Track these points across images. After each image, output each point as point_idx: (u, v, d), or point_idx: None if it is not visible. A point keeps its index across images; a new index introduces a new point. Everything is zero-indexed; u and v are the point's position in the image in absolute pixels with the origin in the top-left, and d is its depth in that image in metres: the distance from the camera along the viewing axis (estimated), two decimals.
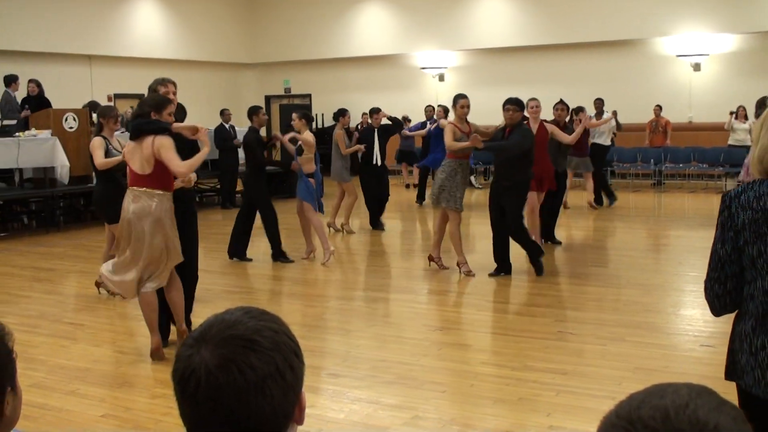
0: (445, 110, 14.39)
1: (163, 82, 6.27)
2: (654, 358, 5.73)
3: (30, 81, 14.18)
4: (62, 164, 12.37)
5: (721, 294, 2.59)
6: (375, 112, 12.11)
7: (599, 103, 14.51)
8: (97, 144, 7.68)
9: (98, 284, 8.09)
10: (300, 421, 1.33)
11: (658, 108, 17.36)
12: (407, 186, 18.23)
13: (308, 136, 9.22)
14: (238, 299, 7.78)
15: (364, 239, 11.41)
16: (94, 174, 8.07)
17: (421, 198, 15.23)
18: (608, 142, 14.45)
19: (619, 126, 14.98)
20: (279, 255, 9.54)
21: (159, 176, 5.75)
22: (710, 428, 1.00)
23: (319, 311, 7.08)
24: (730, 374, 2.64)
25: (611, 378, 5.23)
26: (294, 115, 9.51)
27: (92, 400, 5.10)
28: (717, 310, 2.65)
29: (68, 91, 16.96)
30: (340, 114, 11.68)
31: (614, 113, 14.81)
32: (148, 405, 4.99)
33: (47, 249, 11.10)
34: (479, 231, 11.25)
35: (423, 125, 15.43)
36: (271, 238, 9.55)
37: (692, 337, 6.24)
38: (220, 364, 1.24)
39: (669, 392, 1.06)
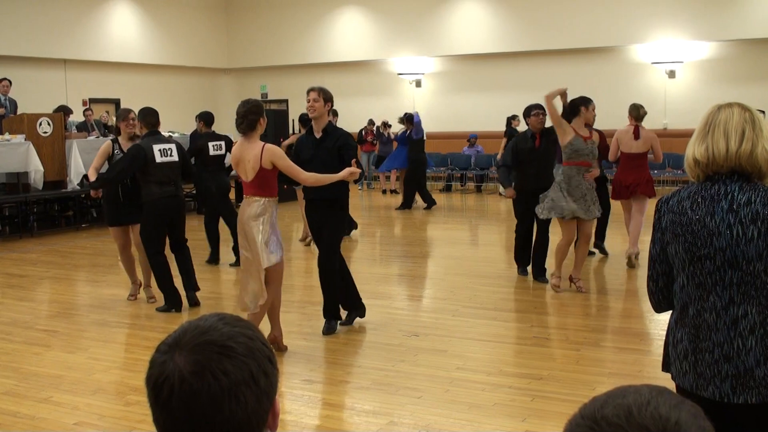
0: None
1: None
2: (628, 363, 5.77)
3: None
4: (36, 169, 12.25)
5: (654, 291, 2.76)
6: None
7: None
8: (103, 149, 7.67)
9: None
10: (274, 428, 1.33)
11: None
12: (384, 192, 18.29)
13: None
14: (213, 305, 7.76)
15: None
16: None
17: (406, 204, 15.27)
18: None
19: None
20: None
21: None
22: (672, 424, 1.04)
23: (294, 317, 7.06)
24: (664, 366, 2.80)
25: (586, 383, 5.27)
26: None
27: (65, 408, 5.05)
28: (654, 305, 2.81)
29: (43, 96, 16.80)
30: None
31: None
32: (122, 412, 4.95)
33: (20, 255, 10.99)
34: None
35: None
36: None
37: None
38: (194, 370, 1.24)
39: (630, 392, 1.10)
